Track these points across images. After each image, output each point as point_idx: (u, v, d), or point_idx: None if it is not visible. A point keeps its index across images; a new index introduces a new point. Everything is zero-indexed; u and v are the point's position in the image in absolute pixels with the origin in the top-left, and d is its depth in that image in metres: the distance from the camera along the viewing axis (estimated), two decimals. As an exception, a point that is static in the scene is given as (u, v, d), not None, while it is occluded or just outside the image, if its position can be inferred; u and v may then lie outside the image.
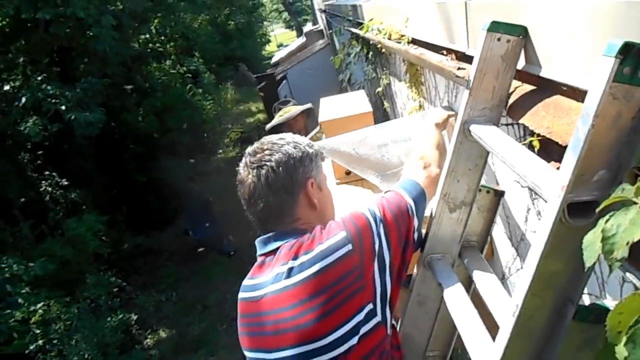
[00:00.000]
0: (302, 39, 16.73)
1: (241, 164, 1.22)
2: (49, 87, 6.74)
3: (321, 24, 14.60)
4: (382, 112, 3.93)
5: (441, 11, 1.72)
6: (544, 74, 1.05)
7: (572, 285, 0.81)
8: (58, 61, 8.26)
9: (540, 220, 1.33)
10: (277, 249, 1.13)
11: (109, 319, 6.19)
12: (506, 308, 1.06)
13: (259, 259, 1.18)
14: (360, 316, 1.02)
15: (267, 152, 1.18)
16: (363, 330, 1.02)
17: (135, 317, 7.00)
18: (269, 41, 31.90)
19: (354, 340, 1.01)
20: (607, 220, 0.64)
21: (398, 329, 1.41)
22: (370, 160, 2.03)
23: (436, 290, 1.34)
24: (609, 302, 0.82)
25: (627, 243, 0.58)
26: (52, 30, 7.02)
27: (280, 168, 1.16)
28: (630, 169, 0.72)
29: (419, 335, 1.41)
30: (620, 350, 0.50)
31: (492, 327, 1.07)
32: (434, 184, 1.30)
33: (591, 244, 0.66)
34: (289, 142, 1.22)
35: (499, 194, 1.33)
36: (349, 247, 1.04)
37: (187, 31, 12.16)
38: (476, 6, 1.36)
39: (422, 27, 2.06)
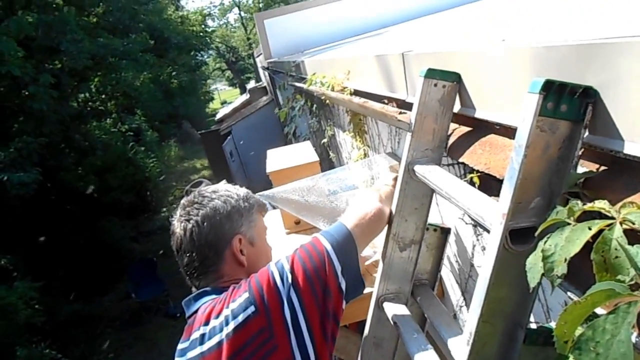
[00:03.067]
0: (246, 96, 17.01)
1: (175, 215, 1.22)
2: (-21, 148, 6.44)
3: (264, 81, 14.96)
4: (328, 163, 4.02)
5: (380, 63, 1.83)
6: (478, 115, 1.13)
7: (519, 310, 0.84)
8: (-10, 121, 7.94)
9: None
10: (198, 310, 1.10)
11: (42, 396, 5.68)
12: (461, 339, 1.08)
13: (187, 322, 1.14)
14: None
15: (196, 205, 1.18)
16: None
17: (72, 392, 6.46)
18: (212, 98, 32.22)
19: None
20: (545, 242, 0.69)
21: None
22: (320, 208, 2.06)
23: (392, 330, 1.35)
24: (555, 325, 0.85)
25: (565, 260, 0.63)
26: (-15, 89, 6.80)
27: (205, 223, 1.15)
28: (561, 195, 0.78)
29: (377, 379, 1.40)
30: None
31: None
32: (372, 221, 1.18)
33: (533, 265, 0.70)
34: (220, 197, 1.21)
35: (446, 232, 1.38)
36: (252, 309, 0.99)
37: (129, 89, 12.05)
38: (413, 56, 1.46)
39: (363, 79, 2.17)
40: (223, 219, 1.17)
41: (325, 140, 3.71)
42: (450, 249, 1.64)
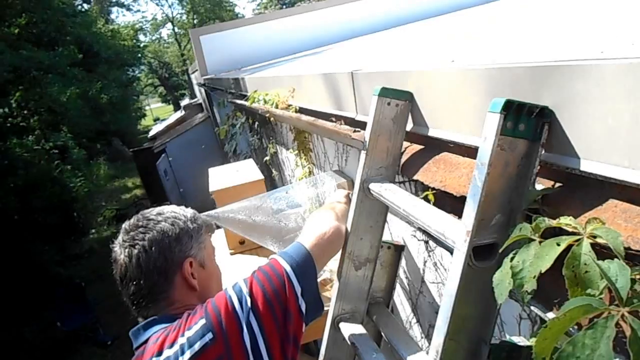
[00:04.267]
0: (181, 113, 16.64)
1: (117, 241, 1.14)
2: None
3: (200, 98, 14.69)
4: (270, 181, 3.98)
5: (328, 81, 1.84)
6: (431, 133, 1.15)
7: (483, 326, 0.85)
8: None
9: (437, 271, 1.40)
10: (148, 340, 1.03)
11: None
12: (421, 357, 1.08)
13: (135, 353, 1.06)
14: None
15: (141, 229, 1.12)
16: None
17: None
18: (144, 115, 31.17)
19: None
20: (512, 258, 0.70)
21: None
22: (268, 227, 2.02)
23: (347, 351, 1.33)
24: (516, 339, 0.87)
25: (534, 276, 0.64)
26: None
27: (153, 248, 1.09)
28: (522, 211, 0.80)
29: (333, 402, 1.37)
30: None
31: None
32: (330, 241, 1.17)
33: (500, 281, 0.71)
34: (166, 219, 1.15)
35: (399, 249, 1.38)
36: (209, 336, 0.94)
37: (54, 104, 11.39)
38: (363, 75, 1.47)
39: (309, 97, 2.17)
40: (172, 242, 1.11)
41: (267, 158, 3.68)
42: (401, 266, 1.65)
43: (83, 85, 12.73)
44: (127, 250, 1.09)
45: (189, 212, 1.22)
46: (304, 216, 2.32)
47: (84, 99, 14.26)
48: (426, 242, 1.44)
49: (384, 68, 1.40)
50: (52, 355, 7.92)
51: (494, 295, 0.83)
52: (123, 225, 1.16)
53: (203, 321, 0.95)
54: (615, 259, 0.54)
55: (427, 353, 1.03)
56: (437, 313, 1.51)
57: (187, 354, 0.92)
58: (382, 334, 1.28)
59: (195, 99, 16.56)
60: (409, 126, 1.25)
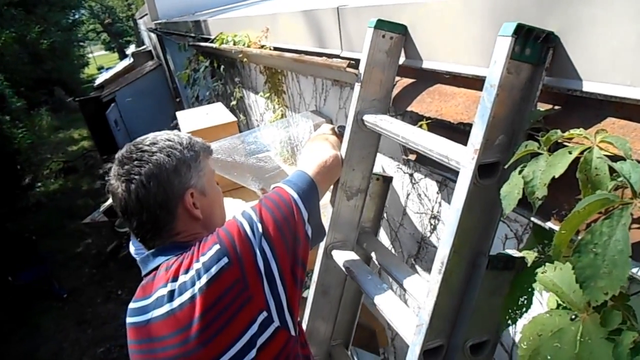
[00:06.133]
0: (129, 60, 15.87)
1: (111, 172, 1.10)
2: None
3: (149, 45, 14.03)
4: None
5: (308, 18, 1.82)
6: (426, 66, 1.19)
7: (483, 239, 0.93)
8: None
9: (421, 202, 1.48)
10: (158, 267, 1.05)
11: None
12: (414, 279, 1.16)
13: (143, 280, 1.08)
14: (254, 328, 0.96)
15: (136, 162, 1.07)
16: (260, 341, 0.97)
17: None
18: (87, 63, 29.41)
19: (252, 353, 0.96)
20: (520, 171, 0.76)
21: (304, 324, 1.43)
22: (247, 166, 2.03)
23: (338, 277, 1.40)
24: (510, 251, 0.96)
25: (545, 184, 0.70)
26: None
27: (152, 183, 1.05)
28: (524, 132, 0.86)
29: (324, 326, 1.45)
30: (566, 262, 0.60)
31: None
32: (331, 168, 1.21)
33: (509, 193, 0.78)
34: (162, 149, 1.10)
35: (388, 180, 1.44)
36: (225, 260, 0.96)
37: (-12, 50, 10.59)
38: (350, 10, 1.48)
39: (285, 36, 2.14)
40: (170, 175, 1.07)
41: (233, 102, 3.62)
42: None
43: (20, 28, 11.83)
44: (124, 184, 1.06)
45: (185, 138, 1.16)
46: (280, 157, 2.34)
47: (21, 43, 13.30)
48: (411, 175, 1.50)
49: (374, 2, 1.41)
50: (6, 311, 7.73)
51: (494, 211, 0.91)
52: (116, 156, 1.12)
53: (217, 246, 0.97)
54: (628, 160, 0.60)
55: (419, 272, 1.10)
56: (418, 243, 1.60)
57: (204, 278, 0.94)
58: (374, 259, 1.35)
59: (144, 46, 15.79)
60: (401, 60, 1.28)
